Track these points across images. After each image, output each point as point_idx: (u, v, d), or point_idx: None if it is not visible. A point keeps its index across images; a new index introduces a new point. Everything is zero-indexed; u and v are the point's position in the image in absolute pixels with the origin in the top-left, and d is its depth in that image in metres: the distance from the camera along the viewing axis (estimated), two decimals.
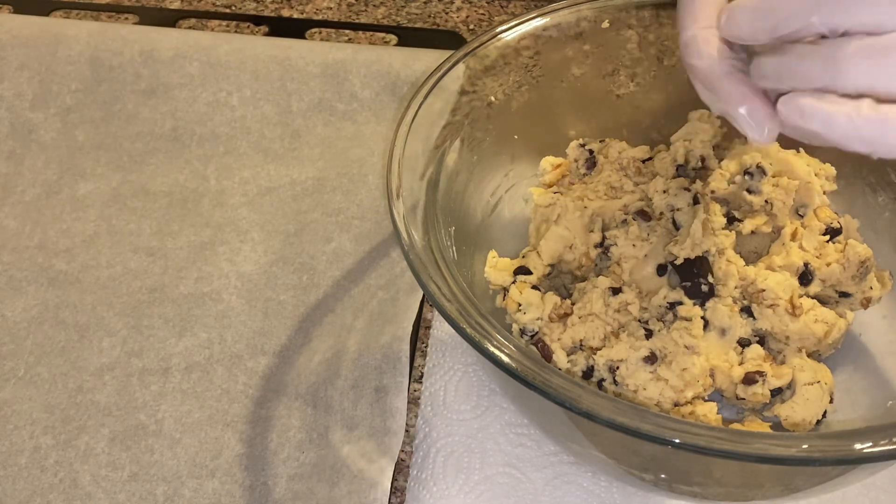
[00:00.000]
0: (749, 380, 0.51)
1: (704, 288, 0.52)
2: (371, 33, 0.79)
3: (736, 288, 0.53)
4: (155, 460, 0.54)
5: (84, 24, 0.74)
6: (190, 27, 0.79)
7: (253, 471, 0.53)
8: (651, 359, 0.50)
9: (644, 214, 0.55)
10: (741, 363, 0.52)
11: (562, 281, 0.57)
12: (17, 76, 0.72)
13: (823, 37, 0.38)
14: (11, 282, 0.62)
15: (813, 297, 0.53)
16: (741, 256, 0.54)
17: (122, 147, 0.70)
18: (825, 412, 0.51)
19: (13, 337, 0.59)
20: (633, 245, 0.55)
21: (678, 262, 0.53)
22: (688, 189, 0.55)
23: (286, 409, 0.56)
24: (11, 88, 0.72)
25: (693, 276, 0.52)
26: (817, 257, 0.53)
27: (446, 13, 0.81)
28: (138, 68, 0.72)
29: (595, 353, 0.51)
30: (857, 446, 0.39)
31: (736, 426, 0.52)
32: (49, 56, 0.72)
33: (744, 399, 0.51)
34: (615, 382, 0.50)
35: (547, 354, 0.51)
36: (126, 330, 0.60)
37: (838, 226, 0.54)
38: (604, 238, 0.55)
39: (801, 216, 0.55)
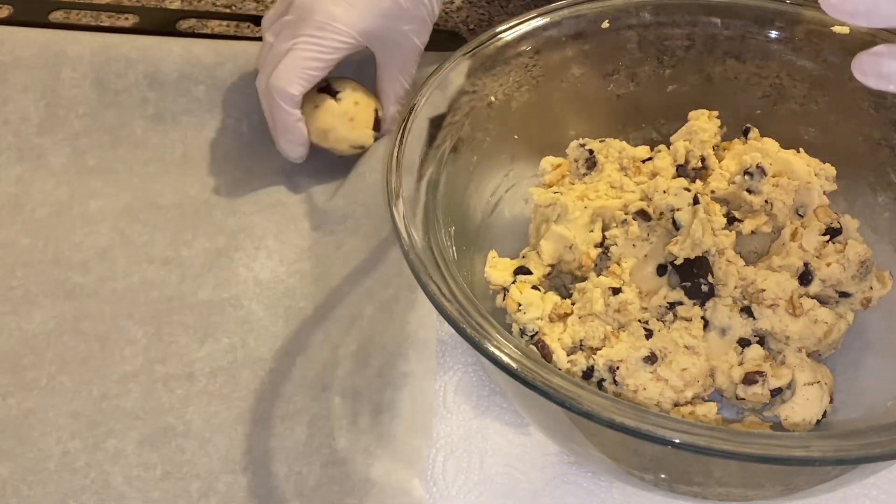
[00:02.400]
0: (749, 380, 0.51)
1: (704, 288, 0.52)
2: None
3: (736, 288, 0.53)
4: (187, 459, 0.54)
5: (85, 40, 0.73)
6: (190, 27, 0.79)
7: (286, 462, 0.53)
8: (651, 359, 0.50)
9: (644, 214, 0.55)
10: (741, 363, 0.52)
11: (562, 281, 0.57)
12: (21, 99, 0.71)
13: None
14: (27, 295, 0.61)
15: (813, 297, 0.53)
16: (741, 256, 0.54)
17: (132, 171, 0.69)
18: (825, 412, 0.51)
19: (33, 349, 0.59)
20: (633, 245, 0.55)
21: (678, 262, 0.53)
22: (688, 189, 0.55)
23: (314, 401, 0.56)
24: (17, 112, 0.71)
25: (693, 276, 0.52)
26: (817, 257, 0.53)
27: (446, 13, 0.81)
28: (144, 92, 0.71)
29: (595, 353, 0.51)
30: (857, 446, 0.39)
31: (736, 426, 0.52)
32: (52, 78, 0.71)
33: (744, 399, 0.51)
34: (615, 382, 0.50)
35: (547, 354, 0.51)
36: (146, 338, 0.59)
37: (838, 226, 0.54)
38: (604, 238, 0.55)
39: (801, 216, 0.55)
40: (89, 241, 0.64)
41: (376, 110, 0.67)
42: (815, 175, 0.56)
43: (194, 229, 0.65)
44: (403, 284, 0.60)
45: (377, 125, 0.67)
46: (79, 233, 0.65)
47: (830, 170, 0.56)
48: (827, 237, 0.54)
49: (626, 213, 0.55)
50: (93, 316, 0.60)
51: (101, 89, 0.71)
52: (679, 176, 0.58)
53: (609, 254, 0.55)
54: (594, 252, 0.55)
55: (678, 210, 0.54)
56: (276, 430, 0.55)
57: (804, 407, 0.51)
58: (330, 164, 0.69)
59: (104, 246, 0.64)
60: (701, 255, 0.52)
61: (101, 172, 0.69)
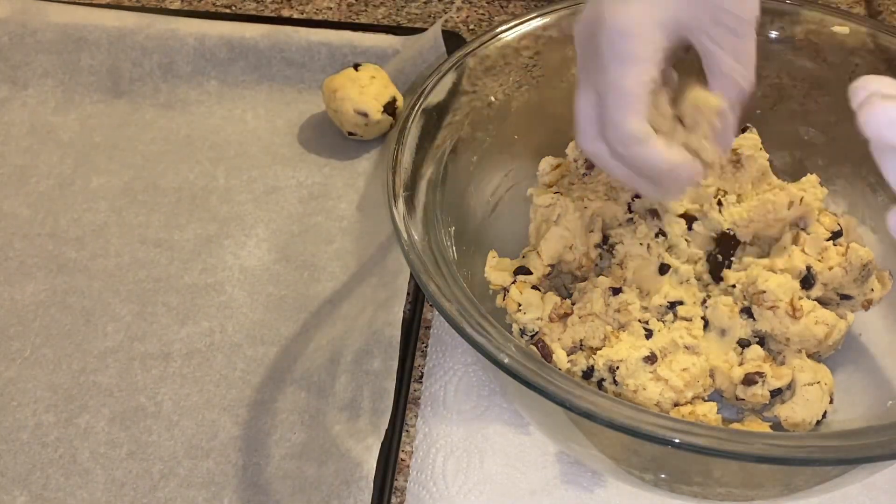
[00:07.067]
0: (749, 380, 0.51)
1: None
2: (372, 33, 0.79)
3: (734, 286, 0.53)
4: (153, 440, 0.55)
5: (104, 28, 0.75)
6: None
7: (246, 452, 0.55)
8: (651, 359, 0.50)
9: (654, 213, 0.55)
10: (741, 364, 0.52)
11: (562, 281, 0.57)
12: (41, 84, 0.75)
13: None
14: (22, 267, 0.64)
15: (814, 300, 0.53)
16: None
17: (136, 148, 0.72)
18: (825, 412, 0.51)
19: (21, 319, 0.61)
20: (641, 244, 0.54)
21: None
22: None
23: (281, 393, 0.57)
24: (35, 96, 0.75)
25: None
26: (819, 260, 0.53)
27: (446, 13, 0.81)
28: (158, 83, 0.75)
29: (595, 353, 0.51)
30: (857, 446, 0.39)
31: (736, 426, 0.52)
32: (72, 65, 0.75)
33: (743, 399, 0.51)
34: (615, 382, 0.50)
35: (547, 354, 0.51)
36: (130, 316, 0.61)
37: (839, 227, 0.54)
38: (605, 238, 0.55)
39: (803, 228, 0.55)
40: (87, 217, 0.67)
41: (394, 98, 0.69)
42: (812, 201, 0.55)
43: (189, 214, 0.67)
44: (378, 283, 0.62)
45: (391, 110, 0.69)
46: (78, 208, 0.68)
47: (821, 192, 0.56)
48: (829, 239, 0.54)
49: (631, 213, 0.55)
50: (81, 291, 0.63)
51: (117, 77, 0.75)
52: None
53: (614, 252, 0.55)
54: (594, 252, 0.55)
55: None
56: (241, 418, 0.56)
57: (804, 407, 0.51)
58: (330, 151, 0.71)
59: (101, 223, 0.67)
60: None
61: (107, 148, 0.72)
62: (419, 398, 0.57)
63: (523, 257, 0.56)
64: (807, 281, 0.53)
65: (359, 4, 0.82)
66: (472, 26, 0.80)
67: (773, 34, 0.60)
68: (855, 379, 0.54)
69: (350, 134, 0.70)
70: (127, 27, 0.75)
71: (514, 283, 0.54)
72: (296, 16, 0.81)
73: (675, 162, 0.47)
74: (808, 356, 0.52)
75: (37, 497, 0.53)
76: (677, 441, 0.39)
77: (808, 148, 0.57)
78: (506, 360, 0.42)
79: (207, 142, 0.72)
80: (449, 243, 0.51)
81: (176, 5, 0.82)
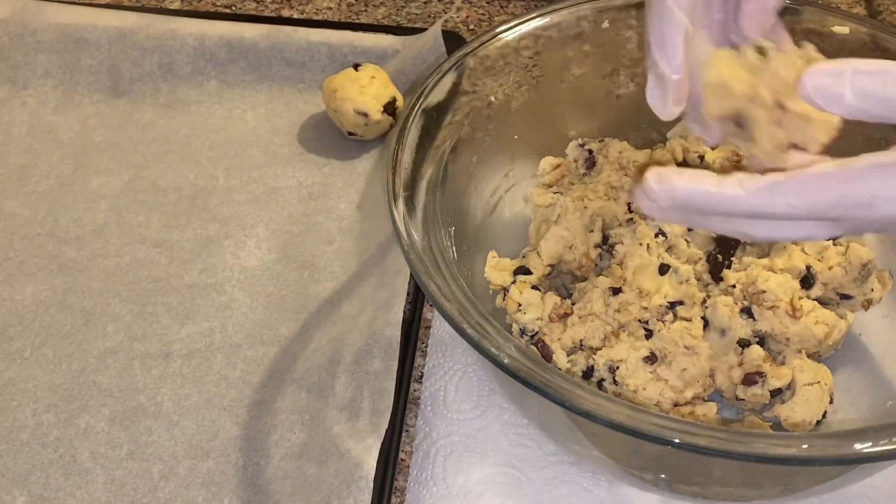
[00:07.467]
0: (749, 381, 0.51)
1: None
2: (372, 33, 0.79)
3: (734, 286, 0.53)
4: (153, 440, 0.56)
5: (104, 30, 0.76)
6: None
7: (246, 452, 0.55)
8: (651, 359, 0.50)
9: None
10: (741, 364, 0.52)
11: (562, 281, 0.57)
12: (40, 84, 0.75)
13: None
14: (22, 267, 0.64)
15: (814, 299, 0.53)
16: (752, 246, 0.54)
17: (136, 148, 0.72)
18: (825, 412, 0.51)
19: (21, 319, 0.61)
20: (641, 244, 0.54)
21: None
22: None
23: (281, 393, 0.57)
24: (35, 96, 0.75)
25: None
26: (819, 260, 0.53)
27: (446, 13, 0.81)
28: (158, 83, 0.75)
29: (595, 353, 0.51)
30: (857, 446, 0.39)
31: (736, 426, 0.52)
32: (72, 65, 0.75)
33: (743, 399, 0.51)
34: (615, 382, 0.50)
35: (547, 354, 0.51)
36: (130, 316, 0.61)
37: None
38: (605, 238, 0.55)
39: None
40: (87, 217, 0.67)
41: (394, 98, 0.70)
42: None
43: (189, 214, 0.67)
44: (378, 283, 0.62)
45: (391, 110, 0.69)
46: (78, 208, 0.68)
47: None
48: (829, 239, 0.54)
49: (632, 213, 0.55)
50: (81, 291, 0.63)
51: (117, 77, 0.75)
52: None
53: (614, 251, 0.55)
54: (594, 252, 0.55)
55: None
56: (241, 418, 0.56)
57: (804, 407, 0.51)
58: (330, 151, 0.71)
59: (101, 223, 0.67)
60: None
61: (107, 148, 0.72)
62: (419, 398, 0.57)
63: (523, 257, 0.56)
64: (807, 281, 0.53)
65: (359, 4, 0.82)
66: (472, 26, 0.80)
67: None
68: (855, 379, 0.54)
69: (350, 134, 0.70)
70: (127, 27, 0.75)
71: (514, 283, 0.54)
72: (296, 16, 0.81)
73: (676, 52, 0.44)
74: (808, 356, 0.52)
75: (37, 497, 0.53)
76: (677, 441, 0.39)
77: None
78: (506, 360, 0.42)
79: (207, 142, 0.72)
80: (449, 243, 0.51)
81: (176, 5, 0.82)
